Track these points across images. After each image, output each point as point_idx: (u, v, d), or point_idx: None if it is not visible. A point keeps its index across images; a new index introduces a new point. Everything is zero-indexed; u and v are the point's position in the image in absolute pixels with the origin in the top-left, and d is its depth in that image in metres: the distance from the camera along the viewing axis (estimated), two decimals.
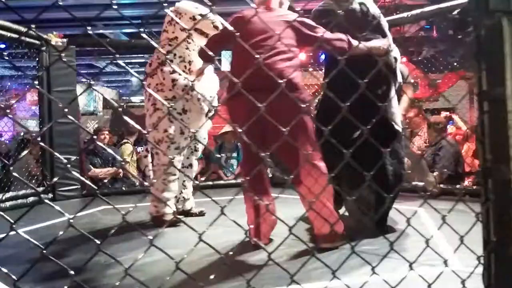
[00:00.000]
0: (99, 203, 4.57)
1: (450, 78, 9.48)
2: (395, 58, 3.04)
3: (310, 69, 6.73)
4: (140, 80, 1.28)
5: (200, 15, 3.40)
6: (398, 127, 2.95)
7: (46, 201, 1.12)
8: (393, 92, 3.01)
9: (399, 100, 3.35)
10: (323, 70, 3.69)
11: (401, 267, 1.90)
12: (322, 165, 2.60)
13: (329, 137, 1.19)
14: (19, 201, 4.76)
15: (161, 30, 3.66)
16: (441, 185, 4.55)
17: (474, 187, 4.40)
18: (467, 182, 5.28)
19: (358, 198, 2.85)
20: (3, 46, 5.58)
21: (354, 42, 2.59)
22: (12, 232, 0.90)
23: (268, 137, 2.53)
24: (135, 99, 14.08)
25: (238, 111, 2.54)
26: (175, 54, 3.44)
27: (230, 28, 1.70)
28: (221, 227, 2.05)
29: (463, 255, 1.36)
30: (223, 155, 6.31)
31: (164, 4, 1.03)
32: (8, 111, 1.10)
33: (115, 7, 0.94)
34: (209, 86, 3.53)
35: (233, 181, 5.99)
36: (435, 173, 4.68)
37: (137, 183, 6.02)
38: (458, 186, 4.63)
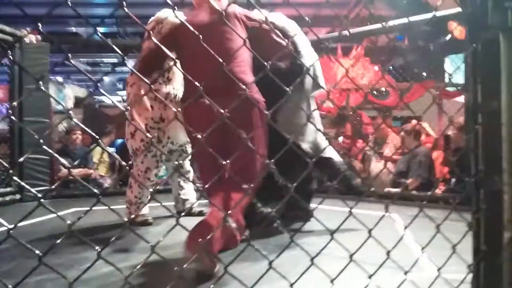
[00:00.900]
0: (69, 204, 4.52)
1: (419, 88, 9.74)
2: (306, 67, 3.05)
3: None
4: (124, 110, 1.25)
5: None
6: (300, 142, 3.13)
7: None
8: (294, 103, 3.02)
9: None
10: None
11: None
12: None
13: None
14: None
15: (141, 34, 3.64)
16: (414, 192, 4.67)
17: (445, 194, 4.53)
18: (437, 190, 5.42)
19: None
20: None
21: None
22: None
23: (227, 142, 2.40)
24: (107, 99, 13.82)
25: (197, 117, 2.45)
26: None
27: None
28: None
29: (450, 263, 1.39)
30: None
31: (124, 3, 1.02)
32: None
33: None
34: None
35: None
36: (410, 180, 4.79)
37: (106, 184, 5.90)
38: (429, 193, 4.76)
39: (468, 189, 1.30)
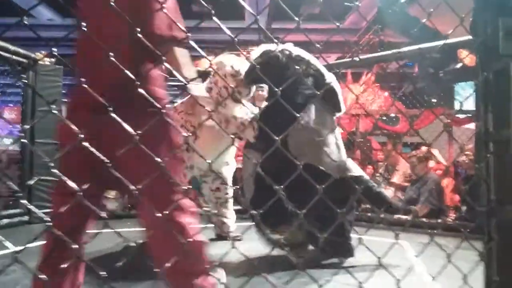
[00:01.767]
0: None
1: (429, 114, 9.73)
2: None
3: None
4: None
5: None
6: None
7: None
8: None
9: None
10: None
11: None
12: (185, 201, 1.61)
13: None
14: None
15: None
16: (423, 219, 4.60)
17: (457, 222, 4.46)
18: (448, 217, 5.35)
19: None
20: None
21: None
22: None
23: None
24: None
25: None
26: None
27: None
28: None
29: None
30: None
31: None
32: None
33: None
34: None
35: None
36: (418, 206, 4.73)
37: (110, 206, 5.87)
38: (439, 220, 4.69)
39: (480, 218, 1.28)
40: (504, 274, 1.21)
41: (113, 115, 1.01)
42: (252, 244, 3.01)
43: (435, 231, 4.18)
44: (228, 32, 1.12)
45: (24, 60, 5.02)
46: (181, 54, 1.75)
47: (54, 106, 0.94)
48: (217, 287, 1.79)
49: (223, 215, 3.98)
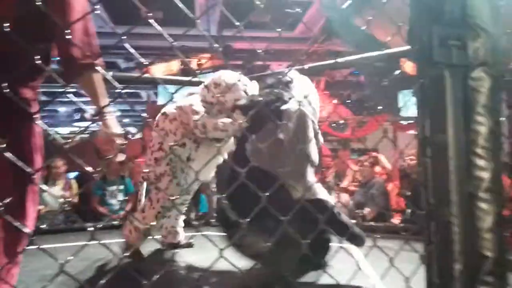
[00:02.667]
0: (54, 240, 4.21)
1: (374, 121, 10.06)
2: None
3: None
4: None
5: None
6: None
7: None
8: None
9: None
10: None
11: None
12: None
13: None
14: None
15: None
16: (372, 222, 4.72)
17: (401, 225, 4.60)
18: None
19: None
20: None
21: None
22: None
23: None
24: (62, 130, 13.42)
25: None
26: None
27: None
28: None
29: None
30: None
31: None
32: None
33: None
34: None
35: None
36: (368, 210, 4.85)
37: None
38: (385, 223, 4.82)
39: (421, 222, 1.31)
40: (443, 276, 1.24)
41: None
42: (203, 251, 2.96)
43: (379, 235, 4.28)
44: (169, 38, 1.10)
45: None
46: (96, 79, 1.57)
47: None
48: None
49: (179, 224, 3.92)
